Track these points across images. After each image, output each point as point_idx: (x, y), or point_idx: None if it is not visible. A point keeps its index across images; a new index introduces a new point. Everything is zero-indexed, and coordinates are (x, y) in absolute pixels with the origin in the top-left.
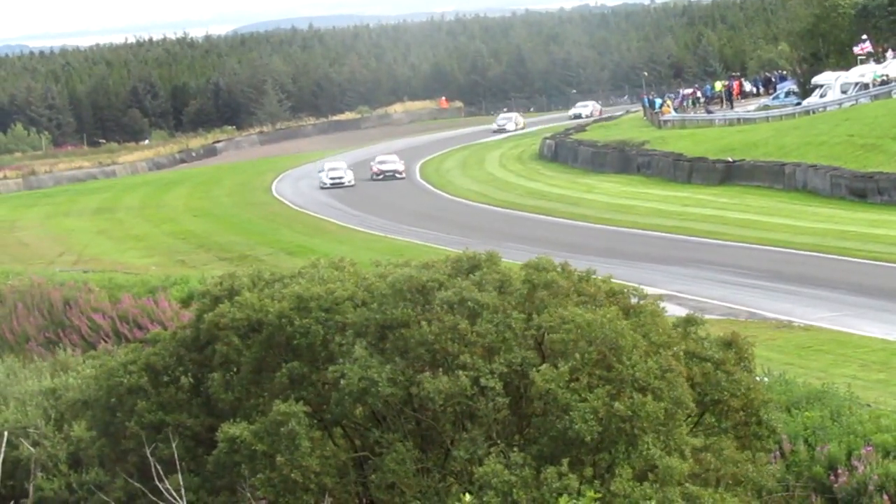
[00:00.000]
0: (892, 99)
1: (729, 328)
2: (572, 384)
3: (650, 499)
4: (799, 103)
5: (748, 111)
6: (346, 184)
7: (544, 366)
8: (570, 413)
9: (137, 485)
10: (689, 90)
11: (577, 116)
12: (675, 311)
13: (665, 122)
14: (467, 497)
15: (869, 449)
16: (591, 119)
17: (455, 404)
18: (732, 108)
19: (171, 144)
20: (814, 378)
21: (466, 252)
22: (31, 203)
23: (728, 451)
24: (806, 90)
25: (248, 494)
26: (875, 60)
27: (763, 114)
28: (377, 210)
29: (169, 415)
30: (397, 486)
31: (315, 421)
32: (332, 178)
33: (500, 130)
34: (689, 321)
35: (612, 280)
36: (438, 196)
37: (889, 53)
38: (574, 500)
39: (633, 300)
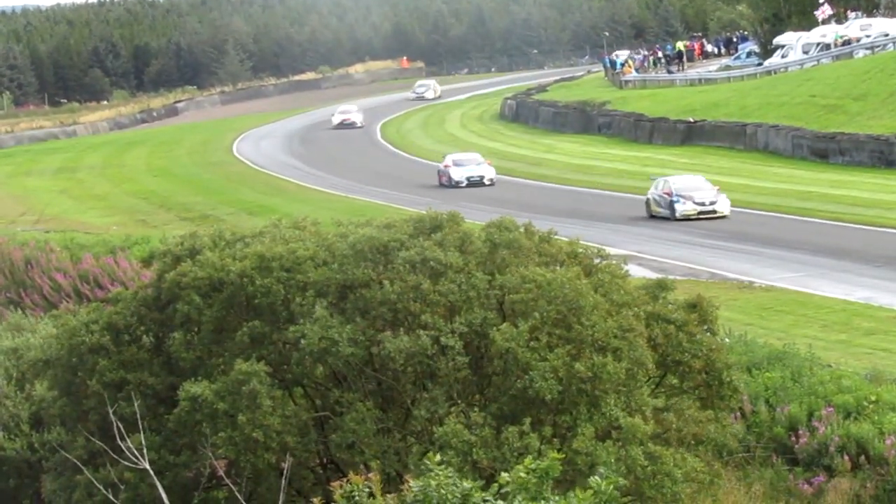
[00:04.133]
0: (854, 59)
1: (690, 289)
2: (532, 343)
3: (612, 457)
4: (760, 64)
5: (709, 71)
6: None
7: (504, 325)
8: (530, 372)
9: (99, 443)
10: (650, 50)
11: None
12: (636, 271)
13: (626, 82)
14: (436, 457)
15: (830, 410)
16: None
17: (416, 364)
18: (684, 69)
19: (133, 104)
20: (775, 339)
21: (429, 212)
22: None
23: (690, 411)
24: (767, 51)
25: (210, 453)
26: (836, 21)
27: (724, 74)
28: (338, 170)
29: (130, 374)
30: (357, 445)
31: (276, 380)
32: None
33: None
34: (659, 285)
35: (577, 241)
36: (399, 156)
37: (850, 14)
38: (538, 460)
39: (596, 261)
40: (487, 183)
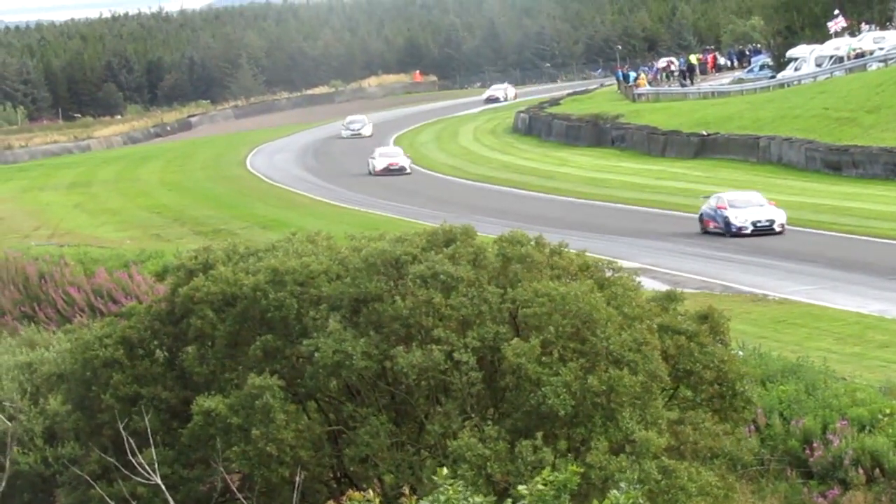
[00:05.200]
0: (867, 72)
1: (703, 302)
2: (544, 358)
3: (626, 471)
4: (773, 76)
5: (722, 84)
6: (364, 135)
7: (515, 340)
8: (543, 388)
9: (111, 459)
10: (663, 63)
11: (494, 100)
12: (649, 284)
13: (639, 95)
14: (444, 470)
15: (844, 423)
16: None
17: (429, 378)
18: (693, 83)
19: (146, 119)
20: (788, 352)
21: (443, 226)
22: (6, 177)
23: (706, 423)
24: (780, 63)
25: (223, 467)
26: (850, 34)
27: (737, 87)
28: (351, 184)
29: (144, 388)
30: (371, 459)
31: (289, 394)
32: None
33: (492, 100)
34: (669, 297)
35: (587, 254)
36: (413, 170)
37: (864, 26)
38: (555, 473)
39: (608, 274)
40: (778, 230)
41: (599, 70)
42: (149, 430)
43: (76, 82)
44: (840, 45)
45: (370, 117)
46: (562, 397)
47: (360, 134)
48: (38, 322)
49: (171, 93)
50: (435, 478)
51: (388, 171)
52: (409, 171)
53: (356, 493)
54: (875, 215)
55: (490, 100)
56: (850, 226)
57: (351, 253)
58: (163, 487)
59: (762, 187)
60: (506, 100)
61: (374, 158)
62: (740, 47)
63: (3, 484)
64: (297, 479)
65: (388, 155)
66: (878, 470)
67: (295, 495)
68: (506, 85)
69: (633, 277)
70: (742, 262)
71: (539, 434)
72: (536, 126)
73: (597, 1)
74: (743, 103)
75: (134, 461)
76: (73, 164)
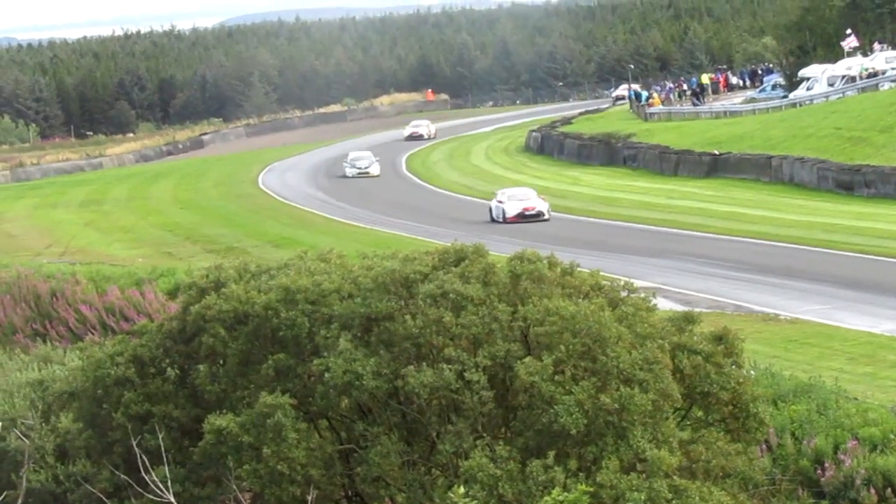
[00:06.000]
0: (879, 92)
1: (715, 321)
2: (556, 377)
3: (637, 490)
4: (785, 96)
5: (734, 104)
6: (372, 174)
7: (528, 358)
8: (555, 406)
9: (124, 476)
10: (675, 83)
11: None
12: (661, 304)
13: (651, 114)
14: (461, 489)
15: (856, 443)
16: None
17: (440, 397)
18: (703, 101)
19: (158, 136)
20: (800, 371)
21: (454, 244)
22: (18, 195)
23: (719, 443)
24: (792, 83)
25: (234, 486)
26: (862, 53)
27: (749, 106)
28: (363, 203)
29: (155, 406)
30: (383, 478)
31: (301, 413)
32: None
33: (415, 137)
34: (686, 318)
35: (599, 273)
36: (425, 188)
37: (876, 46)
38: (565, 493)
39: (623, 294)
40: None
41: (612, 89)
42: (162, 448)
43: (88, 100)
44: (852, 65)
45: (383, 135)
46: (574, 416)
47: (367, 173)
48: (50, 340)
49: (183, 111)
50: (451, 495)
51: (523, 218)
52: (547, 216)
53: None
54: (887, 235)
55: (413, 137)
56: (862, 245)
57: (363, 272)
58: None
59: (774, 206)
60: (429, 137)
61: (502, 203)
62: (752, 67)
63: (20, 502)
64: (309, 497)
65: (519, 198)
66: (889, 490)
67: None
68: (426, 121)
69: (649, 298)
70: (754, 281)
71: (551, 453)
72: (548, 145)
73: (609, 20)
74: (755, 123)
75: (147, 478)
76: (85, 182)
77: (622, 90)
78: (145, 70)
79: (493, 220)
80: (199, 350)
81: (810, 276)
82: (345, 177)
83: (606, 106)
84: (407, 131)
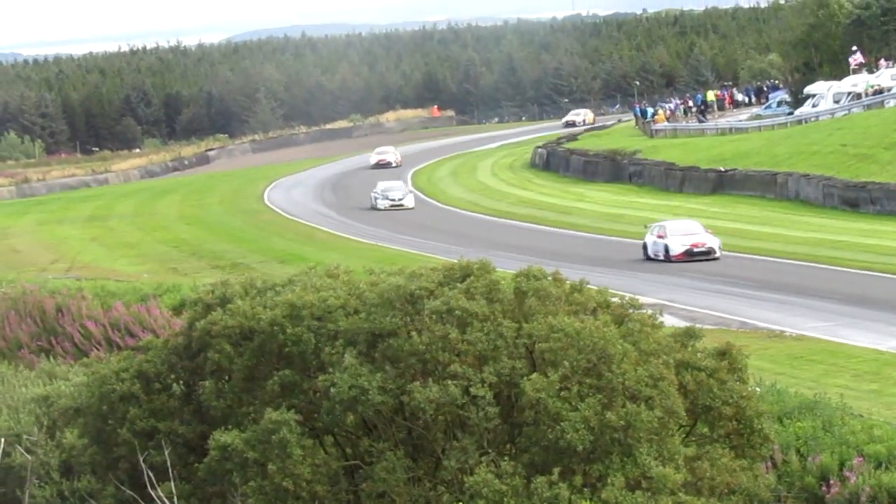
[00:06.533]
0: (885, 109)
1: (720, 338)
2: (563, 393)
3: None
4: (791, 113)
5: (740, 121)
6: (407, 206)
7: (534, 374)
8: (562, 422)
9: (129, 492)
10: (681, 99)
11: (571, 124)
12: (666, 320)
13: (657, 131)
14: None
15: (861, 460)
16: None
17: (445, 413)
18: (706, 118)
19: (164, 152)
20: (806, 388)
21: (460, 261)
22: (23, 210)
23: (724, 459)
24: (798, 100)
25: (240, 502)
26: (868, 70)
27: (755, 123)
28: (368, 219)
29: (161, 422)
30: (388, 494)
31: (306, 429)
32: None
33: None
34: (688, 334)
35: (606, 289)
36: (430, 205)
37: (882, 63)
38: None
39: (630, 311)
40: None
41: (617, 105)
42: (168, 464)
43: (94, 116)
44: (858, 82)
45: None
46: (580, 432)
47: (401, 205)
48: (55, 355)
49: (189, 126)
50: None
51: (691, 257)
52: (718, 254)
53: None
54: (892, 252)
55: (380, 164)
56: (867, 262)
57: (369, 288)
58: None
59: (780, 223)
60: (397, 165)
61: (664, 239)
62: (758, 83)
63: None
64: None
65: (685, 232)
66: None
67: None
68: (392, 148)
69: (656, 315)
70: (759, 298)
71: (556, 470)
72: (554, 161)
73: (614, 37)
74: (760, 139)
75: (153, 494)
76: (90, 198)
77: (573, 115)
78: (151, 86)
79: (647, 258)
80: (205, 366)
81: (816, 293)
82: (375, 209)
83: (612, 123)
84: (373, 159)
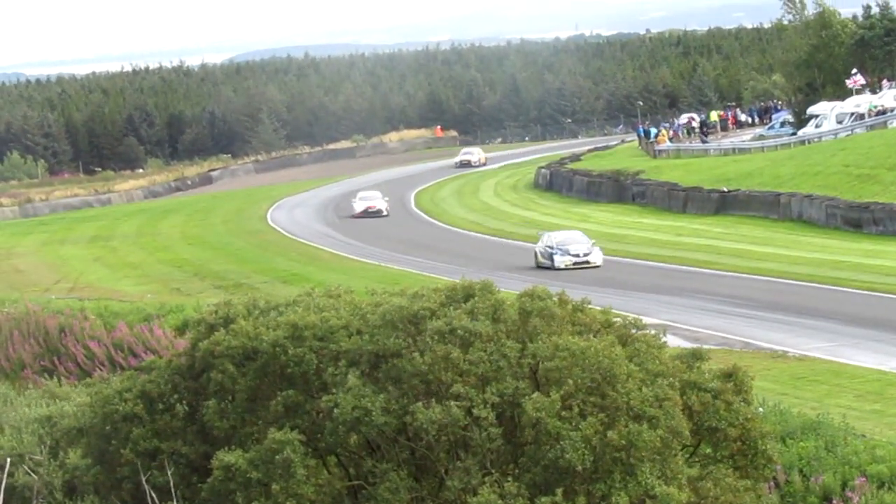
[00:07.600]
0: (888, 129)
1: (724, 358)
2: (563, 412)
3: None
4: (794, 133)
5: (743, 141)
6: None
7: (536, 394)
8: (561, 441)
9: None
10: (685, 119)
11: (465, 164)
12: (670, 341)
13: (660, 151)
14: None
15: (864, 480)
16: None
17: (448, 434)
18: (707, 138)
19: (167, 173)
20: (808, 408)
21: (462, 281)
22: (26, 230)
23: (728, 479)
24: (801, 120)
25: None
26: (870, 91)
27: (758, 144)
28: (372, 239)
29: (164, 442)
30: None
31: (310, 449)
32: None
33: (464, 164)
34: (694, 355)
35: (609, 309)
36: (433, 225)
37: (885, 83)
38: None
39: (633, 331)
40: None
41: (620, 126)
42: (171, 484)
43: (97, 136)
44: (861, 103)
45: (391, 172)
46: (580, 451)
47: (587, 262)
48: (59, 375)
49: (191, 147)
50: None
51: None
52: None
53: None
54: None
55: (462, 164)
56: (870, 283)
57: (371, 308)
58: None
59: (783, 244)
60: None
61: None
62: (761, 104)
63: None
64: None
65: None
66: None
67: None
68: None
69: (659, 336)
70: (762, 318)
71: (559, 490)
72: (557, 182)
73: (618, 57)
74: (764, 160)
75: None
76: (93, 218)
77: (466, 155)
78: (154, 106)
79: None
80: (208, 386)
81: (819, 314)
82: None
83: (615, 143)
84: (357, 207)
